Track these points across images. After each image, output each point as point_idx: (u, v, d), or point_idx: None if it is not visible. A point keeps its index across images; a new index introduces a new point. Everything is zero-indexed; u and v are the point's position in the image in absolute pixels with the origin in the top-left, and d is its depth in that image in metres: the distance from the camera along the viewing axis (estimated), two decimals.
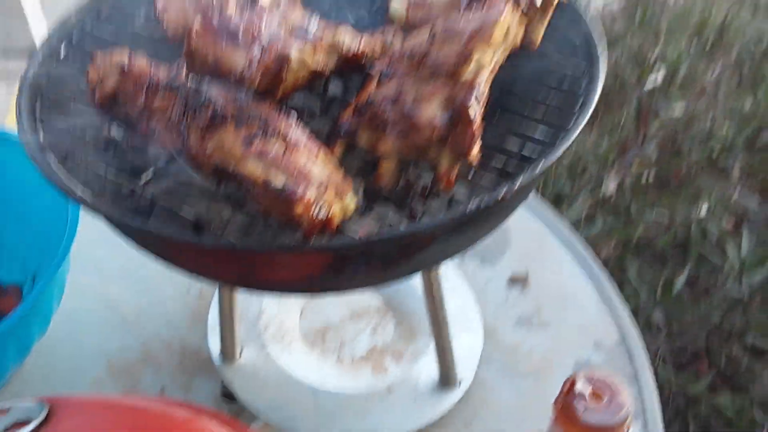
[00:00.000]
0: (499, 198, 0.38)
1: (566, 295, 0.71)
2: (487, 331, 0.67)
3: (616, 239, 1.24)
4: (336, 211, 0.36)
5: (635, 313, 1.23)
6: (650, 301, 1.21)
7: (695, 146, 1.33)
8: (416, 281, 0.66)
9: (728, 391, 1.20)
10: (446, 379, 0.62)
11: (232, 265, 0.39)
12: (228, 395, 0.61)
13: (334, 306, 0.67)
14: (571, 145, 0.40)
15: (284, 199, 0.34)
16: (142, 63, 0.41)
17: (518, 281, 0.72)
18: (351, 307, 0.67)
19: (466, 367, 0.63)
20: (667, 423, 1.23)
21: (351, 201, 0.37)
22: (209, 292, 0.68)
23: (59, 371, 0.63)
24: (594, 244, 1.25)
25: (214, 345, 0.62)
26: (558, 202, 1.28)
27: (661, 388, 1.22)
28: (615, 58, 1.45)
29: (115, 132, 0.42)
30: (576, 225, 1.24)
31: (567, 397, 0.40)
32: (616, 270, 1.31)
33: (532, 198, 0.79)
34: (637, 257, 1.32)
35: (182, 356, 0.65)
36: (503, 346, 0.67)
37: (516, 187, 0.38)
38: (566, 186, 1.32)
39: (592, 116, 0.41)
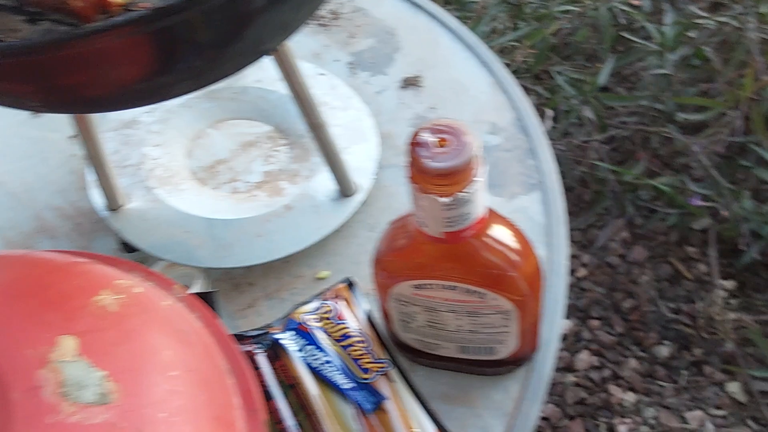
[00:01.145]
0: None
1: (460, 88, 0.69)
2: (383, 137, 0.66)
3: (532, 42, 1.21)
4: None
5: (567, 113, 1.23)
6: (579, 99, 1.20)
7: None
8: None
9: (665, 172, 1.21)
10: (344, 189, 0.61)
11: (29, 79, 0.36)
12: (126, 246, 0.60)
13: (221, 141, 0.65)
14: None
15: None
16: None
17: (411, 83, 0.70)
18: (240, 140, 0.65)
19: (364, 175, 0.62)
20: (607, 211, 1.25)
21: None
22: None
23: None
24: (510, 52, 1.22)
25: (97, 198, 0.60)
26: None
27: (600, 181, 1.24)
28: None
29: None
30: (488, 37, 1.20)
31: (412, 150, 0.39)
32: (544, 76, 1.29)
33: None
34: (562, 61, 1.29)
35: (76, 220, 0.63)
36: (400, 149, 0.65)
37: None
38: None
39: None
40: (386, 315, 0.51)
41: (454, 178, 0.39)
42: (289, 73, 0.51)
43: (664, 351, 1.14)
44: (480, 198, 0.41)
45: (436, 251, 0.43)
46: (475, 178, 0.39)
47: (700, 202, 1.08)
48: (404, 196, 0.63)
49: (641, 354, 1.15)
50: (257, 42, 0.41)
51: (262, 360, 0.50)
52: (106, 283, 0.42)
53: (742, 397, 1.09)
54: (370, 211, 0.62)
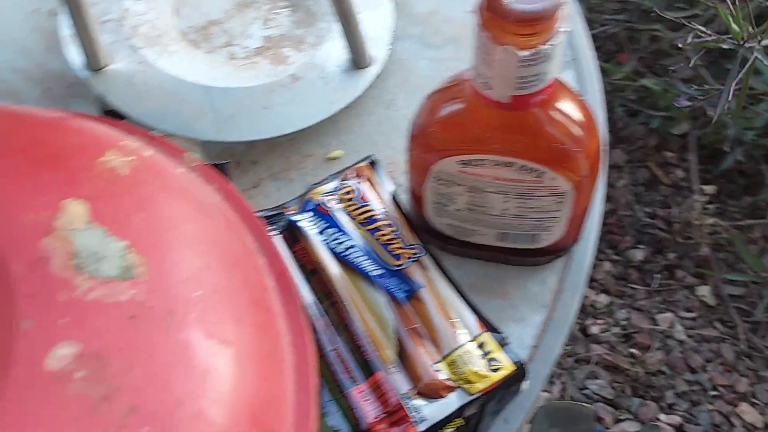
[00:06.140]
0: None
1: None
2: (397, 3, 0.59)
3: None
4: None
5: None
6: None
7: None
8: None
9: (651, 74, 1.18)
10: (357, 59, 0.54)
11: None
12: (111, 113, 0.52)
13: (213, 0, 0.57)
14: None
15: None
16: None
17: None
18: None
19: (378, 45, 0.55)
20: None
21: None
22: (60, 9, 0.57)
23: None
24: None
25: (74, 56, 0.52)
26: None
27: None
28: None
29: None
30: None
31: None
32: None
33: None
34: None
35: (46, 84, 0.55)
36: (418, 18, 0.59)
37: None
38: None
39: None
40: (416, 197, 0.46)
41: (540, 25, 0.33)
42: None
43: (638, 255, 1.14)
44: (560, 55, 0.35)
45: (496, 120, 0.38)
46: (560, 29, 0.34)
47: (686, 102, 1.05)
48: (423, 70, 0.56)
49: (615, 257, 1.15)
50: None
51: (278, 242, 0.45)
52: (111, 142, 0.35)
53: (711, 301, 1.10)
54: (385, 86, 0.56)
